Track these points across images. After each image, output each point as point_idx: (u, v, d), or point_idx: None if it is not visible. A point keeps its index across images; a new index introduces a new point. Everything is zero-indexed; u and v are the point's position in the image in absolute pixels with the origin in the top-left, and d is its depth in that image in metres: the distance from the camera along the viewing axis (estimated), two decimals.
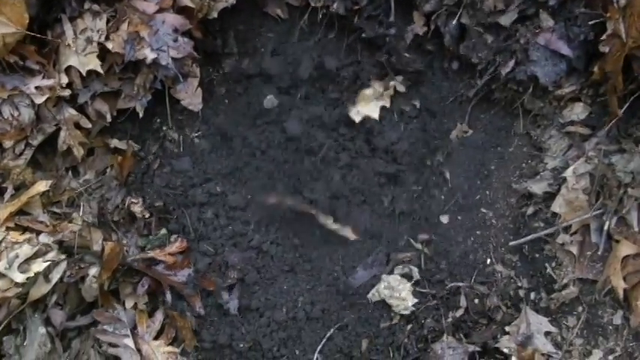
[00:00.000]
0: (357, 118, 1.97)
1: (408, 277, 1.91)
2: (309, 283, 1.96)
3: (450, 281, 1.91)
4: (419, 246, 1.96)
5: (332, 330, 1.91)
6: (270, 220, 2.00)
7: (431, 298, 1.89)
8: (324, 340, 1.90)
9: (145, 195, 2.03)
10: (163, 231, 1.98)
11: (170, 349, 1.84)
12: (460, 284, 1.89)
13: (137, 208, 1.98)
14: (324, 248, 1.99)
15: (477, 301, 1.87)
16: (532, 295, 1.84)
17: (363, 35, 1.92)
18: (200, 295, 1.92)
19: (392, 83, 1.97)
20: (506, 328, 1.80)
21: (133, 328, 1.83)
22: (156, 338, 1.85)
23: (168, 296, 1.90)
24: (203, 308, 1.92)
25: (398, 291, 1.88)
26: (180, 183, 2.04)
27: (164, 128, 2.08)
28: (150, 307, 1.91)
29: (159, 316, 1.88)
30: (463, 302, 1.87)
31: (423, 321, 1.88)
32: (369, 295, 1.91)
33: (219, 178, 2.05)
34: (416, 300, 1.87)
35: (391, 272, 1.93)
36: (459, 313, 1.86)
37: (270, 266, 1.97)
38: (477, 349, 1.79)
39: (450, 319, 1.85)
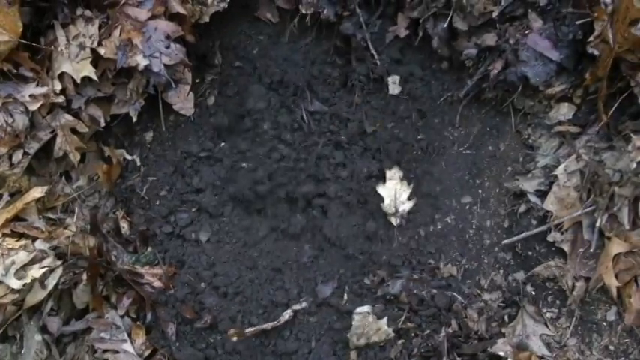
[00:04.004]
0: None
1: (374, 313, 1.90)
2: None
3: (441, 286, 1.92)
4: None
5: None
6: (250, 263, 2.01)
7: (422, 315, 1.89)
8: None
9: (131, 212, 2.05)
10: (150, 249, 2.00)
11: None
12: (452, 296, 1.90)
13: (124, 225, 1.99)
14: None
15: (468, 317, 1.87)
16: (526, 295, 1.85)
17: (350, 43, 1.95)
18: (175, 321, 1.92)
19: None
20: (503, 330, 1.82)
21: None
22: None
23: (150, 315, 1.90)
24: (175, 335, 1.91)
25: (369, 327, 1.87)
26: (164, 205, 2.06)
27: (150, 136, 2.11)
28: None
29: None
30: (455, 318, 1.88)
31: (413, 335, 1.88)
32: (356, 342, 1.89)
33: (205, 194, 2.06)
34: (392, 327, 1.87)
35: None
36: (452, 329, 1.86)
37: (244, 314, 1.95)
38: None
39: (442, 334, 1.85)
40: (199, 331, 1.92)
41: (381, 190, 1.98)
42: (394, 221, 1.98)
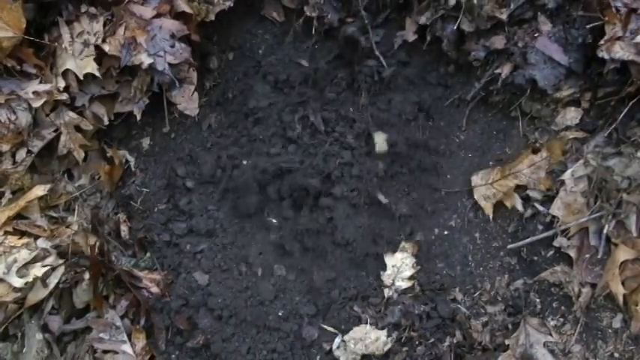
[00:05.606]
0: None
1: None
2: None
3: (447, 292, 1.90)
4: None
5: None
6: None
7: (426, 326, 1.88)
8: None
9: (131, 217, 2.03)
10: (148, 255, 1.99)
11: None
12: (456, 307, 1.88)
13: (125, 228, 1.98)
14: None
15: (472, 328, 1.85)
16: (530, 301, 1.84)
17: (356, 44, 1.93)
18: (167, 332, 1.91)
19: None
20: (506, 340, 1.80)
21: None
22: None
23: (143, 321, 1.89)
24: (168, 343, 1.89)
25: (367, 337, 1.85)
26: (162, 213, 2.05)
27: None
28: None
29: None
30: (459, 328, 1.87)
31: (417, 343, 1.86)
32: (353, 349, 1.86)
33: (204, 210, 2.04)
34: (391, 337, 1.85)
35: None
36: (456, 339, 1.84)
37: (238, 337, 1.92)
38: None
39: (447, 344, 1.84)
40: (195, 349, 1.91)
41: (388, 258, 1.95)
42: (386, 292, 1.93)
